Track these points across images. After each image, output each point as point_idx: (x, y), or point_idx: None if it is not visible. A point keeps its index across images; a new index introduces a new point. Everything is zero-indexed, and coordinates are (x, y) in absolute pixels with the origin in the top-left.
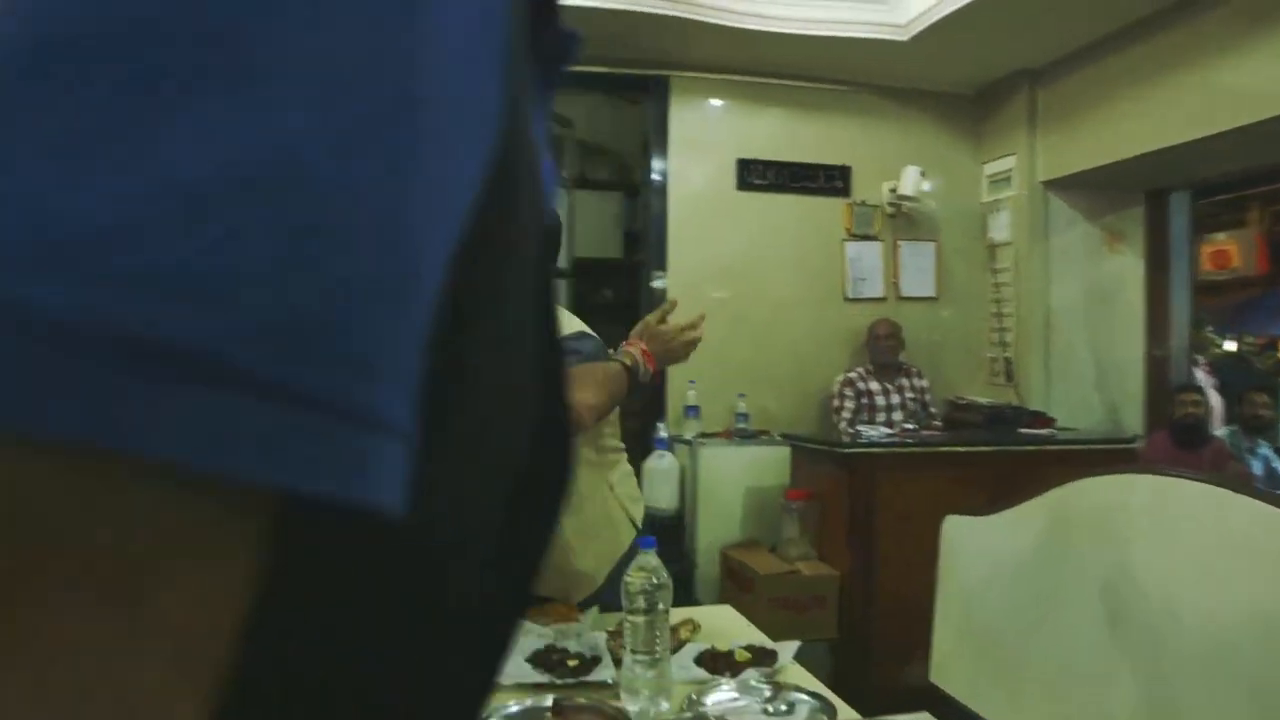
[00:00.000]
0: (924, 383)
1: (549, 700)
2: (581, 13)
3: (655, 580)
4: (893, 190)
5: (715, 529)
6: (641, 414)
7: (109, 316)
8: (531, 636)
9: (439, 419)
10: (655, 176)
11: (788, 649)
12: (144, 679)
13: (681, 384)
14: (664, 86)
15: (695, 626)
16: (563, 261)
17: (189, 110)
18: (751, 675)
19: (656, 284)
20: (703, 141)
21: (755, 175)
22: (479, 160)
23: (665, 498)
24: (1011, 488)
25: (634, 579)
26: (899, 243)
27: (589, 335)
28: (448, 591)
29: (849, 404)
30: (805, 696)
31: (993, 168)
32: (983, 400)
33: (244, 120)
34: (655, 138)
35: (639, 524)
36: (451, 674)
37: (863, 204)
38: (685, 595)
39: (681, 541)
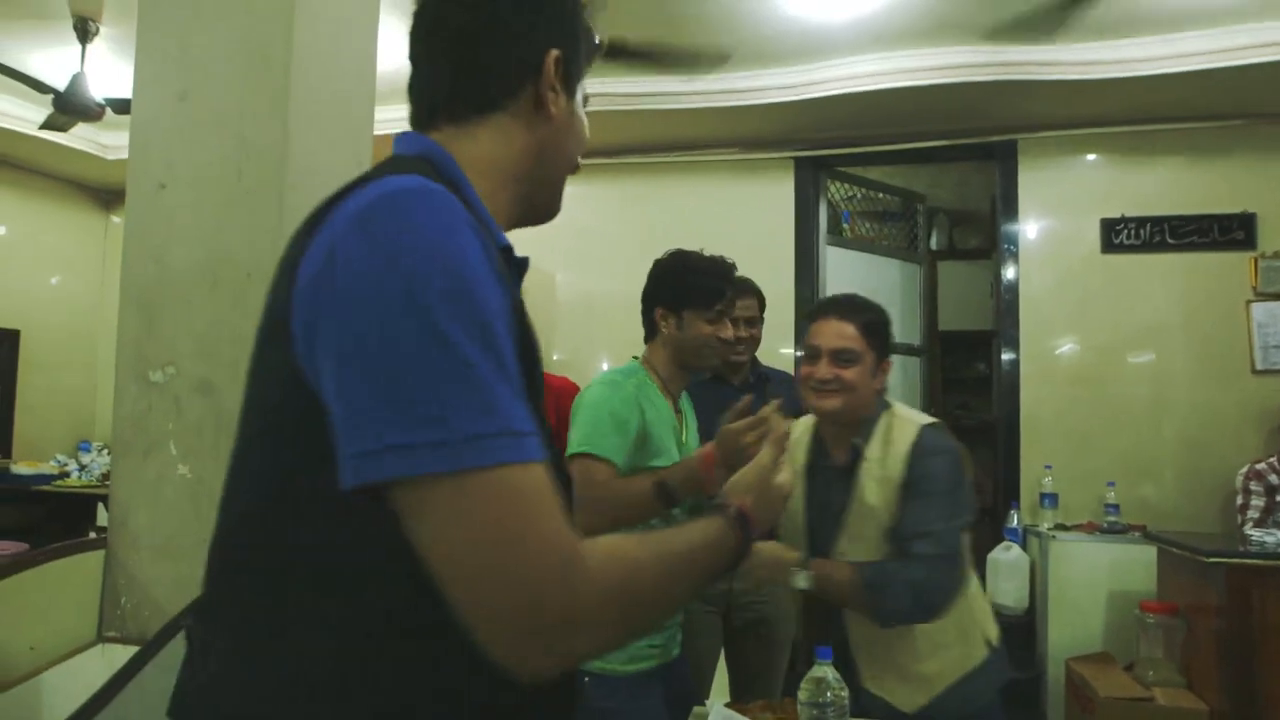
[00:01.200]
0: None
1: None
2: (916, 92)
3: (827, 695)
4: None
5: (1067, 636)
6: (990, 494)
7: None
8: None
9: (547, 440)
10: (1006, 245)
11: None
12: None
13: (1037, 467)
14: (1011, 150)
15: None
16: (918, 337)
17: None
18: None
19: (1005, 357)
20: (1058, 203)
21: (1124, 235)
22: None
23: (1011, 594)
24: None
25: (804, 690)
26: None
27: (942, 451)
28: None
29: (1256, 501)
30: None
31: None
32: None
33: None
34: (1004, 203)
35: (994, 642)
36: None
37: (1275, 256)
38: (1029, 710)
39: (1032, 647)
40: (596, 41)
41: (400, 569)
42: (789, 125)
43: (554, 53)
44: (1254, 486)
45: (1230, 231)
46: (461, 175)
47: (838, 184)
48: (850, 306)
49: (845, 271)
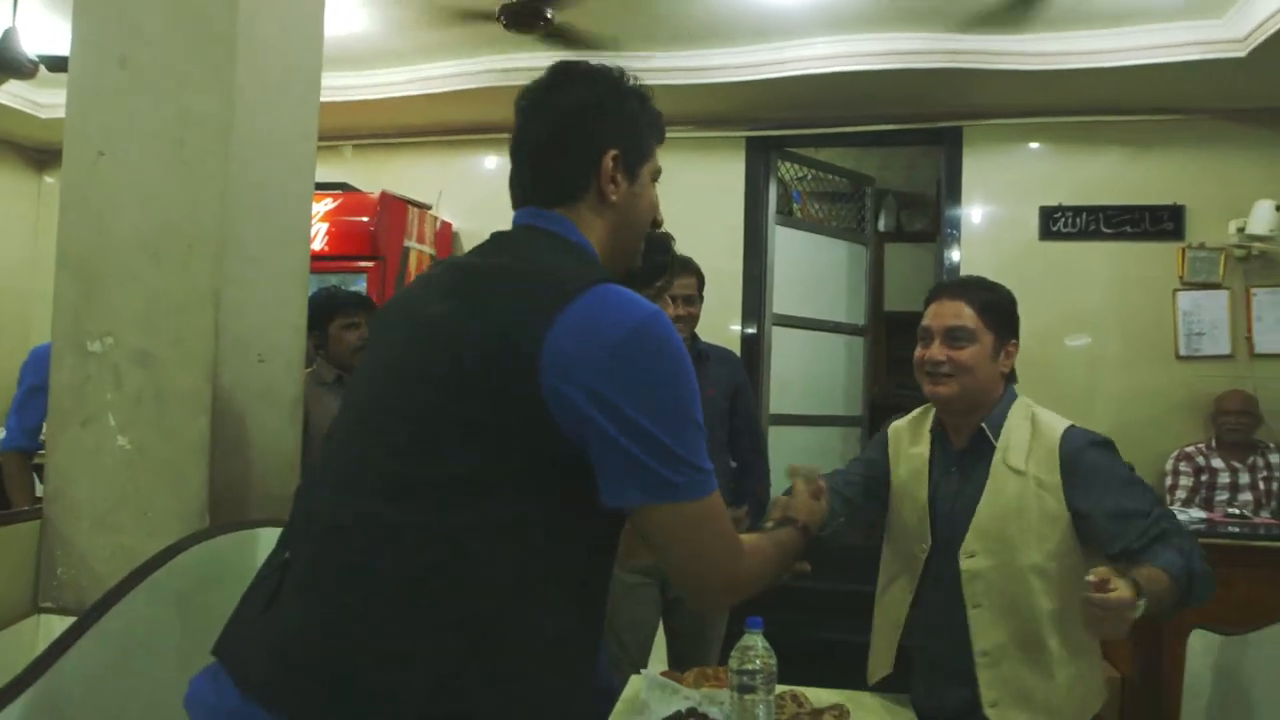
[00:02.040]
0: None
1: None
2: (869, 76)
3: (754, 663)
4: (1240, 230)
5: None
6: None
7: None
8: (678, 698)
9: None
10: (949, 229)
11: None
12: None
13: None
14: (957, 136)
15: (844, 713)
16: (864, 318)
17: None
18: None
19: None
20: (1000, 190)
21: (1061, 223)
22: None
23: None
24: None
25: (734, 658)
26: (1252, 290)
27: (1101, 442)
28: None
29: (1184, 481)
30: None
31: None
32: None
33: None
34: (948, 188)
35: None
36: None
37: (1201, 247)
38: None
39: None
40: (659, 118)
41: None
42: (742, 105)
43: (612, 153)
44: (1183, 468)
45: (1161, 222)
46: (595, 255)
47: (788, 164)
48: (965, 285)
49: (794, 251)
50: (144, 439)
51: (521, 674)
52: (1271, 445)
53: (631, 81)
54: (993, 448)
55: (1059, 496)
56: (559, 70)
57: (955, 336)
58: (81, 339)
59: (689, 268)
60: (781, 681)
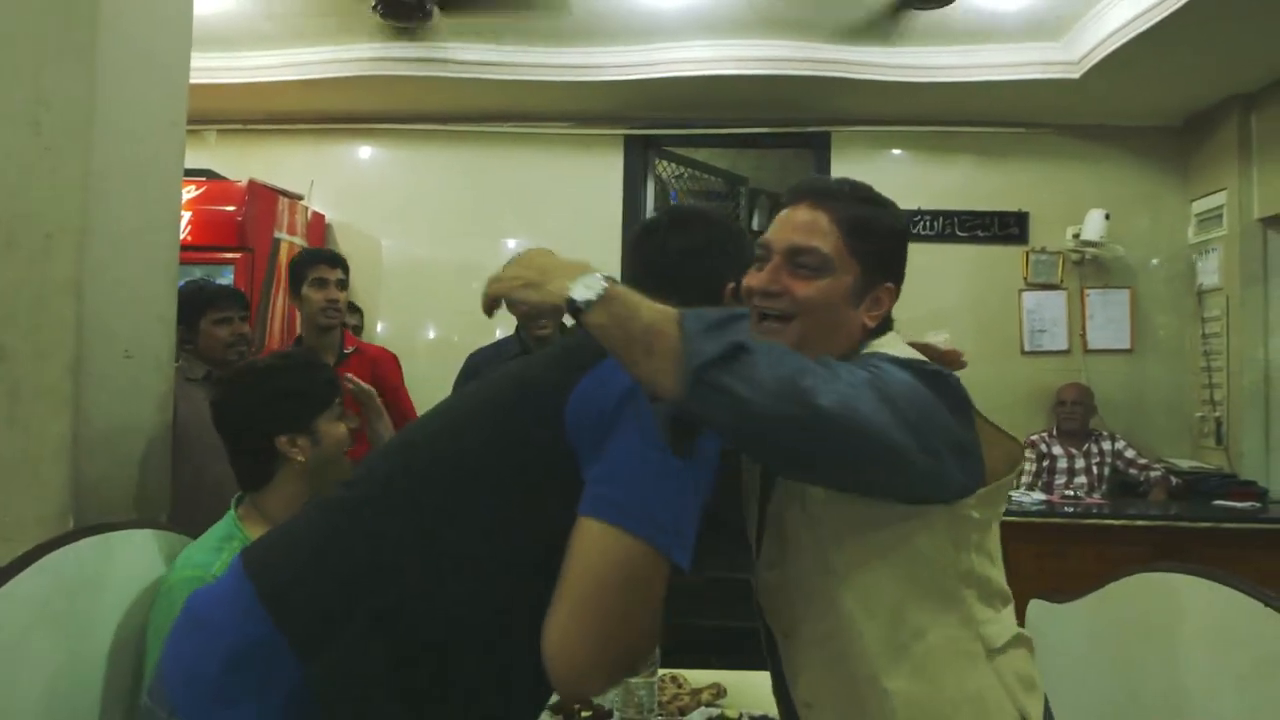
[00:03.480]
0: (1120, 445)
1: None
2: (743, 81)
3: None
4: (1076, 236)
5: None
6: None
7: None
8: None
9: None
10: None
11: None
12: None
13: None
14: (825, 141)
15: (720, 691)
16: None
17: None
18: None
19: None
20: None
21: (920, 226)
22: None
23: None
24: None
25: None
26: (1086, 291)
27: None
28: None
29: (1028, 468)
30: None
31: (1201, 205)
32: (1184, 465)
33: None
34: None
35: None
36: None
37: (1043, 251)
38: None
39: None
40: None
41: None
42: (621, 103)
43: (730, 285)
44: (1027, 454)
45: (1008, 227)
46: None
47: (665, 163)
48: (830, 190)
49: None
50: None
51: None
52: (1104, 433)
53: (740, 234)
54: None
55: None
56: (709, 221)
57: (801, 260)
58: None
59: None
60: (663, 667)
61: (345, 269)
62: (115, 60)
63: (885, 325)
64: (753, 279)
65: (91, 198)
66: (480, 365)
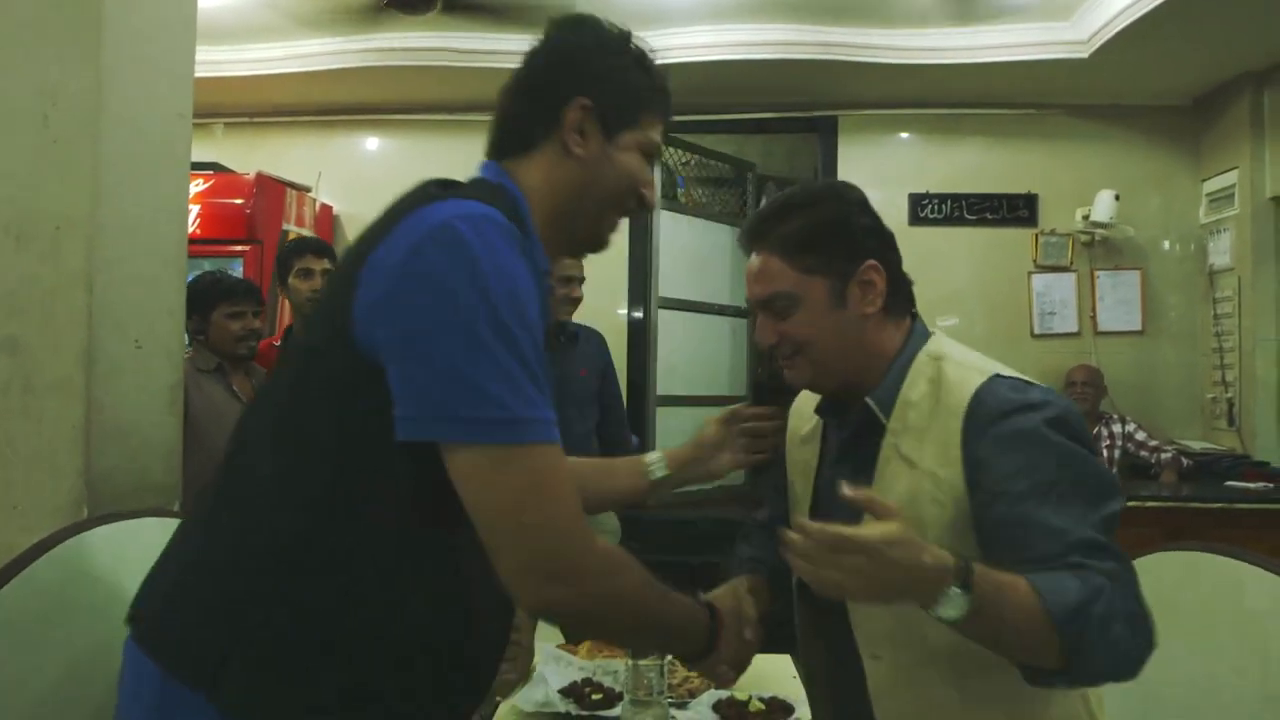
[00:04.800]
0: (1130, 427)
1: None
2: (749, 66)
3: None
4: (1085, 217)
5: None
6: None
7: None
8: (572, 669)
9: None
10: None
11: (804, 704)
12: None
13: None
14: (832, 125)
15: None
16: (734, 299)
17: None
18: None
19: None
20: (872, 178)
21: (928, 210)
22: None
23: None
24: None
25: None
26: (1096, 273)
27: (1028, 406)
28: None
29: None
30: None
31: (1213, 184)
32: (1196, 446)
33: None
34: (824, 175)
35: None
36: None
37: (1052, 233)
38: None
39: None
40: (661, 92)
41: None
42: None
43: (579, 100)
44: None
45: (1017, 210)
46: (525, 206)
47: (672, 149)
48: (762, 228)
49: (679, 235)
50: (12, 429)
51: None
52: (1115, 416)
53: (634, 44)
54: (883, 429)
55: (959, 495)
56: (551, 21)
57: (774, 307)
58: None
59: None
60: None
61: (333, 258)
62: (121, 53)
63: (901, 304)
64: (758, 335)
65: (100, 190)
66: None
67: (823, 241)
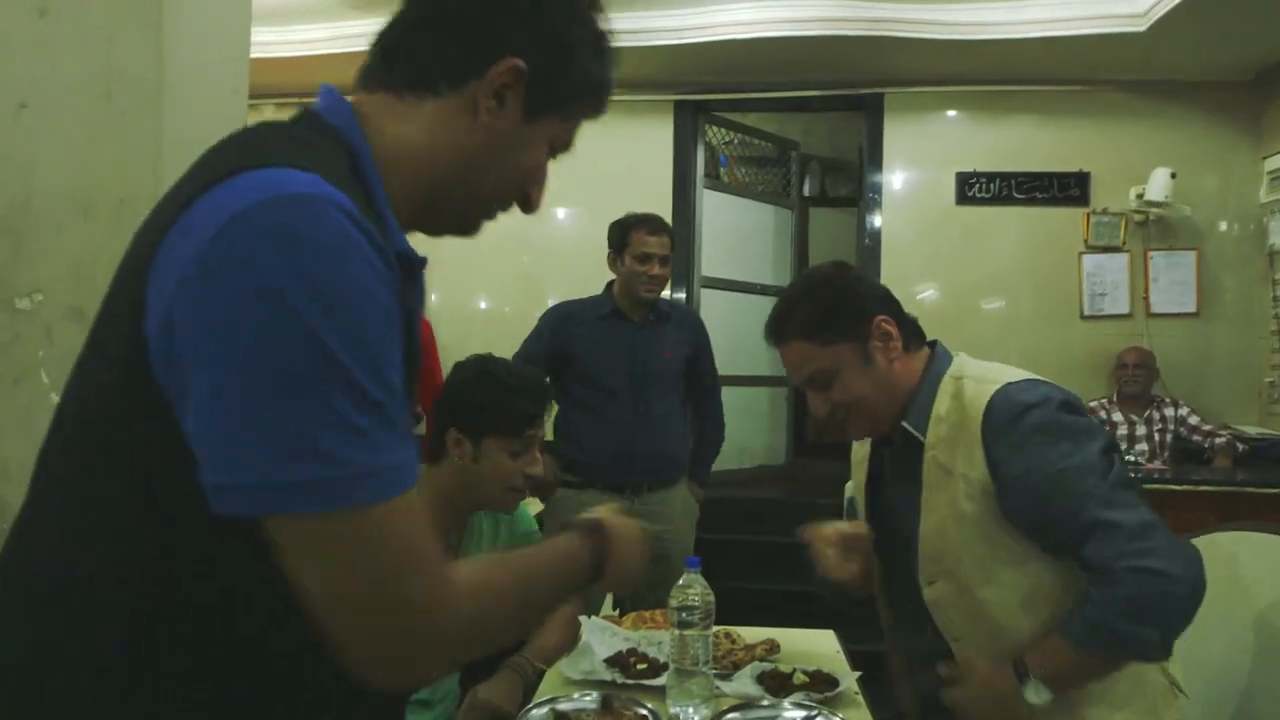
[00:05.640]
0: (1183, 411)
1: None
2: (792, 42)
3: (693, 600)
4: (1139, 196)
5: None
6: None
7: None
8: (618, 639)
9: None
10: (870, 194)
11: (849, 677)
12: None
13: None
14: (879, 103)
15: (773, 647)
16: (788, 280)
17: None
18: (800, 698)
19: None
20: (919, 156)
21: (976, 188)
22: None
23: None
24: None
25: (674, 596)
26: (1150, 254)
27: (1030, 404)
28: None
29: None
30: None
31: (1274, 163)
32: (1251, 431)
33: None
34: (870, 154)
35: (1184, 689)
36: None
37: (1104, 212)
38: None
39: None
40: (605, 90)
41: (257, 591)
42: (670, 68)
43: (513, 61)
44: None
45: (1068, 189)
46: (369, 165)
47: (715, 128)
48: (782, 325)
49: (721, 215)
50: None
51: None
52: (1166, 399)
53: (600, 21)
54: (922, 445)
55: (989, 492)
56: None
57: (815, 384)
58: (9, 296)
59: (664, 228)
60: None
61: None
62: (180, 29)
63: (915, 339)
64: (812, 408)
65: (161, 165)
66: (567, 318)
67: (834, 315)
